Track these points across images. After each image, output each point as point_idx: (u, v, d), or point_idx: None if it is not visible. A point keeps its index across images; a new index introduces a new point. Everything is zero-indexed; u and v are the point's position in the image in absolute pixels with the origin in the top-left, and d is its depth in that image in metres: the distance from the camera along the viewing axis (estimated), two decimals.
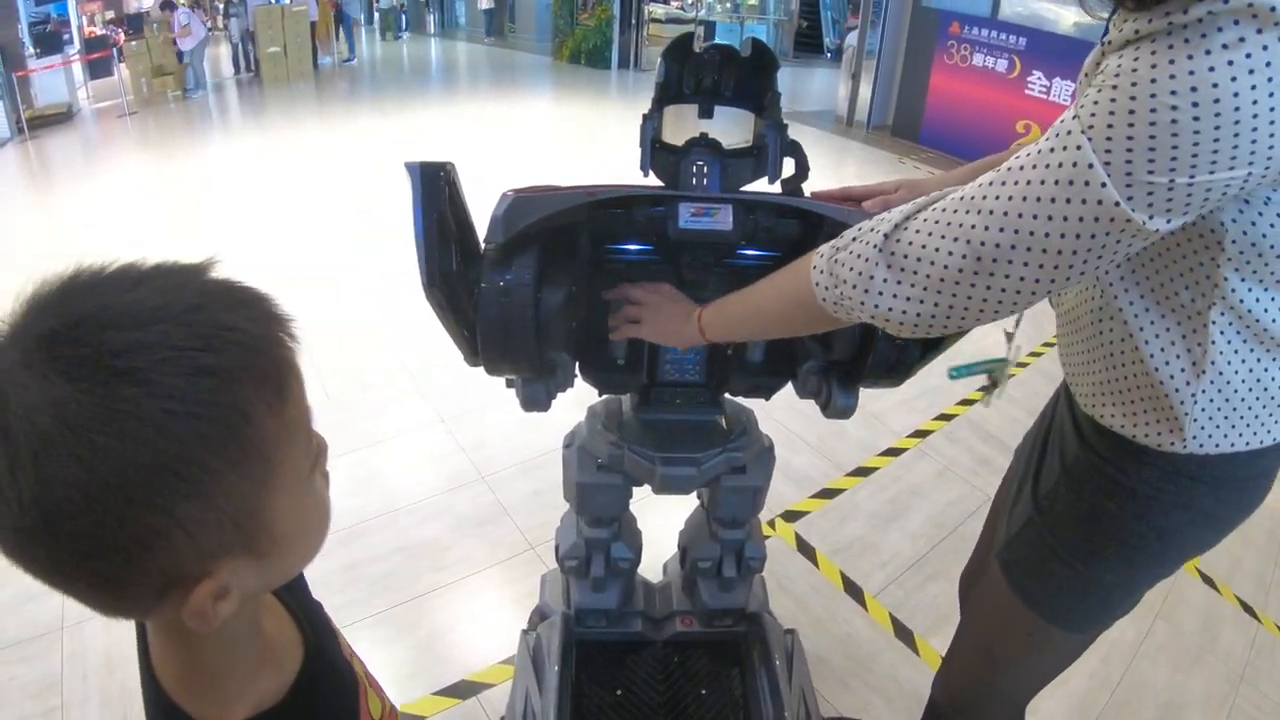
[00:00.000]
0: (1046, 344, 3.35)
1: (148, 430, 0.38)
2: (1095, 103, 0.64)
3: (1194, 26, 0.59)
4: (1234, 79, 0.58)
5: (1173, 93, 0.60)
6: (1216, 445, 0.83)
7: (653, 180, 1.09)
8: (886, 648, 1.90)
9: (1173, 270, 0.77)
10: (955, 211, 0.72)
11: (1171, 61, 0.60)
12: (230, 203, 5.06)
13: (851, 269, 0.78)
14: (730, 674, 1.42)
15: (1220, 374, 0.79)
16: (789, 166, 1.08)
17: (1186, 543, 0.92)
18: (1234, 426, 0.82)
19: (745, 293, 0.96)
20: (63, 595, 0.42)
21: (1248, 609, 2.11)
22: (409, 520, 2.19)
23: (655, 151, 1.07)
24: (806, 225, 1.07)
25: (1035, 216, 0.67)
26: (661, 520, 1.67)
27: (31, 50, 7.48)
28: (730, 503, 1.31)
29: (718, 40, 1.05)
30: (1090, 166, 0.64)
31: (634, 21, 11.79)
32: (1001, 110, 6.31)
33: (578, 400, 1.29)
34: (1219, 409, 0.81)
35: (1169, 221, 0.65)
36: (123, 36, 9.03)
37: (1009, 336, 1.24)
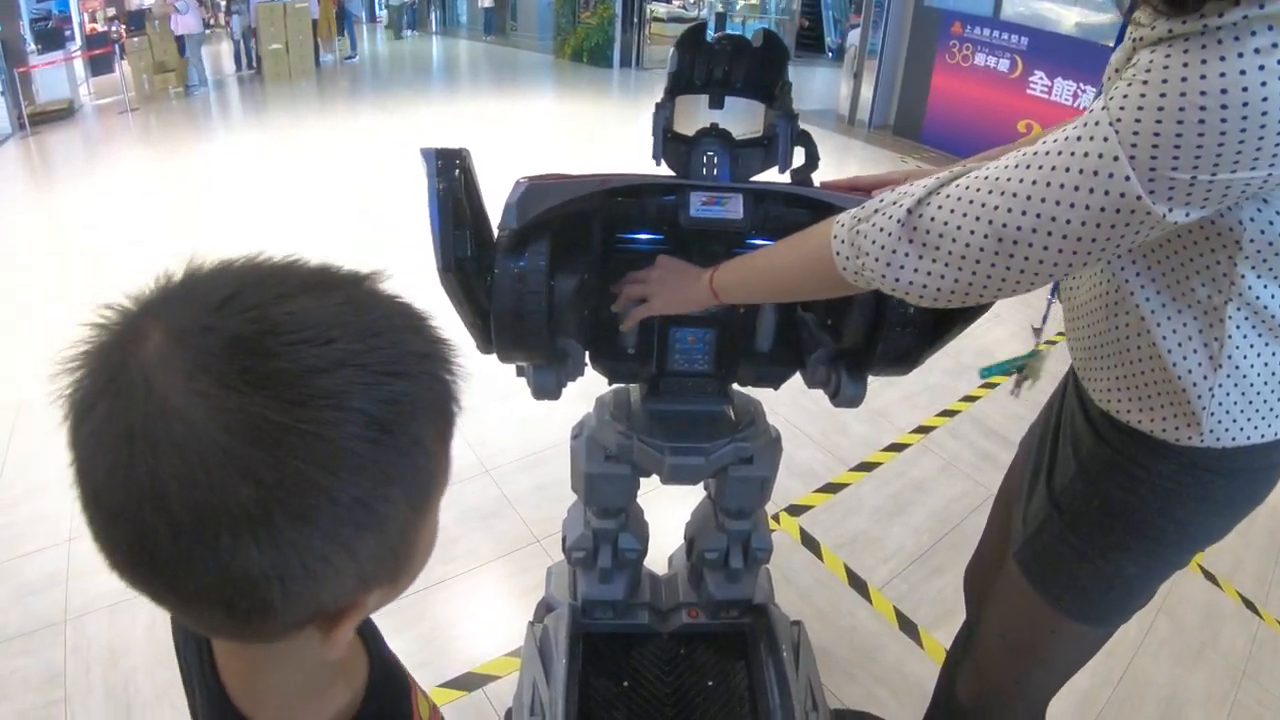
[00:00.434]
0: (1048, 341, 3.35)
1: (341, 457, 0.35)
2: (1125, 96, 0.65)
3: (1228, 30, 0.61)
4: (1264, 83, 0.59)
5: (1202, 93, 0.61)
6: (1233, 439, 0.83)
7: (664, 170, 1.09)
8: (891, 641, 1.91)
9: (1189, 267, 0.78)
10: (979, 190, 0.73)
11: (1204, 62, 0.61)
12: (231, 200, 5.06)
13: (874, 241, 0.79)
14: (737, 665, 1.42)
15: (1237, 368, 0.80)
16: (799, 157, 1.09)
17: (1203, 532, 0.93)
18: (1249, 420, 0.83)
19: (762, 252, 0.96)
20: (148, 601, 0.38)
21: (1249, 605, 2.12)
22: None
23: (666, 141, 1.07)
24: (815, 215, 1.07)
25: (1058, 202, 0.69)
26: (667, 513, 1.67)
27: (33, 46, 7.48)
28: (737, 493, 1.31)
29: (728, 32, 1.06)
30: (1116, 159, 0.65)
31: (636, 20, 11.78)
32: (1003, 110, 6.30)
33: (583, 393, 1.29)
34: (1235, 403, 0.81)
35: (1187, 214, 0.66)
36: (124, 32, 9.01)
37: (1036, 332, 1.25)
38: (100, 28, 9.15)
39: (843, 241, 0.82)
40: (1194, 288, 0.78)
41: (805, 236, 0.91)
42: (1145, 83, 0.64)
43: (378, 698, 0.53)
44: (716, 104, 1.10)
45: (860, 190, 1.09)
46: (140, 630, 1.78)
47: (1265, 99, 0.59)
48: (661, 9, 14.25)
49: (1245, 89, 0.60)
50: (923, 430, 2.79)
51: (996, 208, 0.72)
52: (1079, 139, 0.68)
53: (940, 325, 1.07)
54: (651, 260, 1.13)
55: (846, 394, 1.15)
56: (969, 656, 1.23)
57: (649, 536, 1.44)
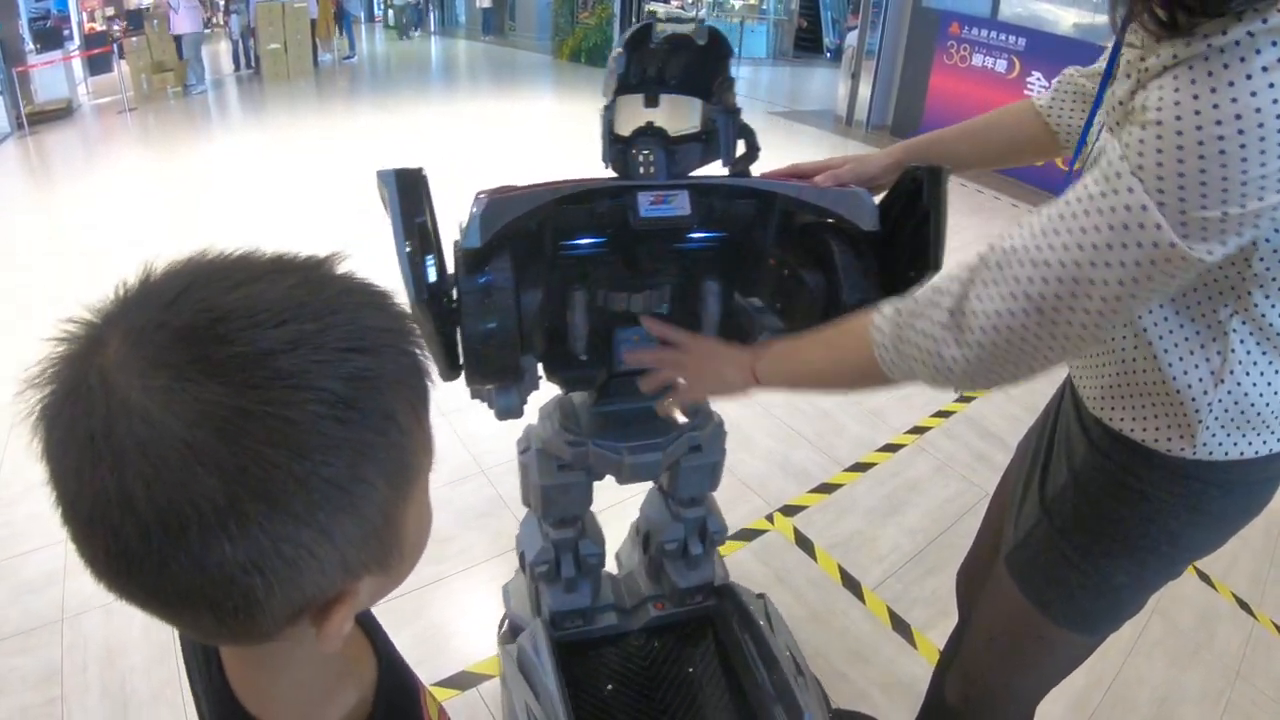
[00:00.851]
0: None
1: (306, 438, 0.34)
2: (1142, 140, 0.63)
3: (1232, 50, 0.59)
4: (1276, 100, 0.58)
5: (1218, 123, 0.59)
6: (1226, 453, 0.83)
7: (611, 173, 1.09)
8: (884, 641, 1.91)
9: (1195, 281, 0.77)
10: (1012, 267, 0.72)
11: (1214, 90, 0.59)
12: (230, 200, 5.06)
13: (920, 347, 0.77)
14: (713, 648, 1.44)
15: (1239, 384, 0.79)
16: (742, 150, 1.10)
17: (1195, 544, 0.92)
18: (1244, 435, 0.82)
19: (804, 349, 0.93)
20: (158, 619, 0.38)
21: (1244, 606, 2.12)
22: None
23: (610, 144, 1.07)
24: (759, 204, 1.09)
25: (1093, 264, 0.67)
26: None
27: (32, 46, 7.47)
28: (690, 482, 1.34)
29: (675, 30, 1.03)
30: (1144, 209, 0.63)
31: (634, 20, 11.76)
32: None
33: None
34: (1232, 418, 0.81)
35: (1224, 248, 0.65)
36: (124, 31, 9.01)
37: None
38: (99, 27, 9.15)
39: (886, 349, 0.81)
40: (1199, 301, 0.78)
41: (841, 338, 0.89)
42: (1159, 123, 0.62)
43: (388, 699, 0.52)
44: (651, 102, 1.08)
45: (800, 176, 1.10)
46: (137, 629, 1.79)
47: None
48: (660, 9, 14.25)
49: (1259, 110, 0.58)
50: (918, 431, 2.80)
51: (1031, 280, 0.70)
52: (1102, 194, 0.66)
53: (886, 290, 1.08)
54: (600, 264, 1.12)
55: None
56: (957, 658, 1.23)
57: (604, 538, 1.45)
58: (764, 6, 13.89)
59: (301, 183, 5.45)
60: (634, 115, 1.07)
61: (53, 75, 7.67)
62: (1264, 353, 0.78)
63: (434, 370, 0.42)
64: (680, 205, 1.03)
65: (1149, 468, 0.87)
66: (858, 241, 1.06)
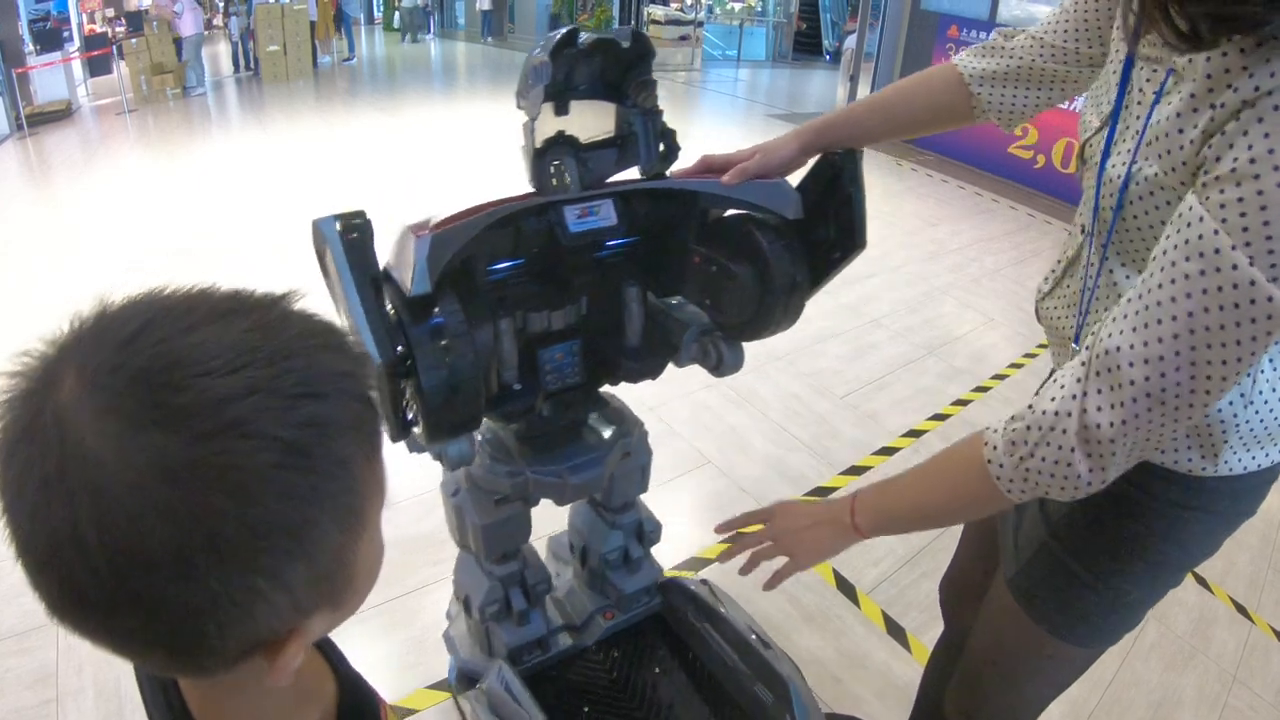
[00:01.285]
0: (1041, 345, 3.35)
1: (257, 486, 0.34)
2: (1241, 199, 0.60)
3: None
4: None
5: None
6: (1245, 467, 0.83)
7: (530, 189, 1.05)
8: (879, 645, 1.91)
9: None
10: (1121, 370, 0.69)
11: None
12: (228, 201, 5.06)
13: (1050, 474, 0.75)
14: (673, 644, 1.44)
15: (1265, 402, 0.79)
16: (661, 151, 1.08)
17: (1200, 549, 0.92)
18: (1264, 449, 0.82)
19: (905, 488, 0.91)
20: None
21: (1241, 609, 2.12)
22: (404, 516, 2.19)
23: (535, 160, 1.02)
24: (679, 203, 1.09)
25: (1209, 346, 0.65)
26: None
27: (31, 47, 7.48)
28: (622, 488, 1.35)
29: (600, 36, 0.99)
30: (1252, 284, 0.61)
31: (633, 22, 11.81)
32: None
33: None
34: (1255, 435, 0.81)
35: None
36: (124, 32, 9.03)
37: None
38: (99, 29, 9.17)
39: (1011, 480, 0.78)
40: None
41: (946, 477, 0.87)
42: (1257, 177, 0.59)
43: (350, 717, 0.53)
44: (561, 110, 1.03)
45: (711, 171, 1.08)
46: None
47: None
48: (659, 12, 14.28)
49: None
50: (914, 434, 2.79)
51: (1148, 379, 0.67)
52: (1201, 273, 0.63)
53: (813, 271, 1.09)
54: (527, 287, 1.08)
55: (729, 363, 1.16)
56: (958, 678, 1.20)
57: (544, 563, 1.44)
58: (758, 8, 13.92)
59: (300, 184, 5.45)
60: (544, 125, 1.00)
61: (52, 76, 7.68)
62: None
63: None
64: (606, 215, 1.02)
65: (1165, 485, 0.86)
66: (780, 229, 1.07)
